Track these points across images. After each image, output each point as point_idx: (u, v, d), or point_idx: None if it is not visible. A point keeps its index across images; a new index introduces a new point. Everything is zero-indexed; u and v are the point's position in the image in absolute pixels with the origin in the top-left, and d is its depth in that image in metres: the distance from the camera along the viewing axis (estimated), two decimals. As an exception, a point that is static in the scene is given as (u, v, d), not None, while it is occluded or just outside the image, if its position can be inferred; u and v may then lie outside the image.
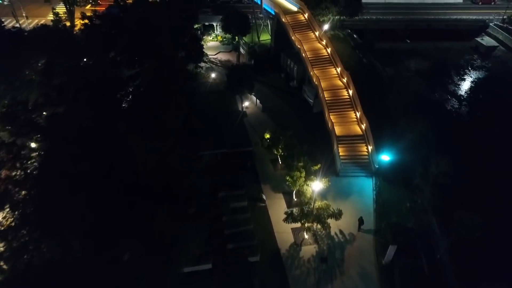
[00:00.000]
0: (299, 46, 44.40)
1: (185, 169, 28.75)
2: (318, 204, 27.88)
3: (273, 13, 49.28)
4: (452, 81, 54.99)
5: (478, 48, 63.67)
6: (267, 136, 37.06)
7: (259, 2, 51.22)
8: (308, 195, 28.95)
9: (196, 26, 58.33)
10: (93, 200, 23.63)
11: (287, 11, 49.43)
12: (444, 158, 29.97)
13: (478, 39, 64.67)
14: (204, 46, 56.42)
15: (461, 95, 51.17)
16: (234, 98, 44.57)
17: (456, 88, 53.01)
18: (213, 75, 50.06)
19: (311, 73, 42.26)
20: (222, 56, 56.14)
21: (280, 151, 34.62)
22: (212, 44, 59.28)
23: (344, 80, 41.74)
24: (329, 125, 38.03)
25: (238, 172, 34.87)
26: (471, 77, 56.58)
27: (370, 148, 36.12)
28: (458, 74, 57.04)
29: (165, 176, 26.80)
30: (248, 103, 44.64)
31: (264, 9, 51.86)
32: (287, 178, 30.53)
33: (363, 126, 37.79)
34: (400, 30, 67.87)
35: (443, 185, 29.53)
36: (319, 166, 30.43)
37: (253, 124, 42.30)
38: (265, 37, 60.30)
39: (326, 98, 40.07)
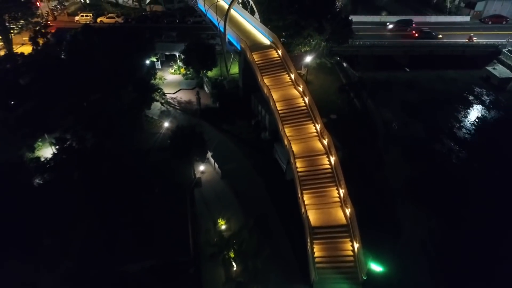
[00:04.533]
0: (267, 95, 34.85)
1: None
2: None
3: (239, 48, 39.64)
4: (461, 125, 45.29)
5: (490, 80, 54.09)
6: (221, 222, 28.01)
7: (222, 30, 41.46)
8: None
9: (153, 58, 48.82)
10: None
11: (256, 46, 39.75)
12: None
13: (490, 68, 55.16)
14: (163, 82, 47.17)
15: (475, 151, 40.37)
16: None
17: (468, 138, 43.04)
18: (166, 124, 40.42)
19: (282, 132, 32.70)
20: (183, 95, 46.45)
21: (232, 255, 25.36)
22: (173, 78, 49.56)
23: (325, 141, 32.13)
24: (302, 210, 28.42)
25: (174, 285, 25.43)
26: (485, 119, 46.71)
27: (356, 246, 26.51)
28: (467, 115, 47.38)
29: None
30: (204, 167, 35.11)
31: (229, 41, 42.13)
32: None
33: (348, 212, 28.20)
34: (398, 56, 58.39)
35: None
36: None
37: (208, 199, 32.74)
38: (237, 69, 50.74)
39: (300, 170, 30.49)
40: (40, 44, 37.43)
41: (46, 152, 34.54)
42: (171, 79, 49.29)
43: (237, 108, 43.02)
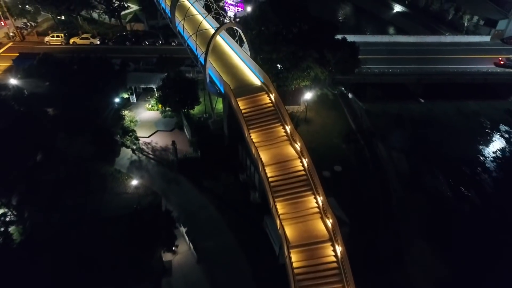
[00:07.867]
0: (255, 156, 27.55)
1: None
2: None
3: (223, 91, 32.24)
4: (492, 179, 37.94)
5: (518, 114, 46.90)
6: None
7: (203, 62, 33.66)
8: None
9: (124, 94, 41.55)
10: None
11: (243, 88, 32.27)
12: None
13: (517, 100, 48.00)
14: (135, 125, 39.91)
15: None
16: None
17: (502, 197, 35.62)
18: (135, 182, 33.13)
19: (273, 210, 25.40)
20: (160, 139, 39.06)
21: None
22: (150, 116, 42.13)
23: (329, 222, 24.79)
24: (299, 329, 21.12)
25: None
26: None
27: None
28: (497, 165, 39.84)
29: None
30: (176, 248, 27.77)
31: (211, 79, 34.58)
32: None
33: (360, 331, 20.88)
34: (411, 85, 51.17)
35: None
36: None
37: (178, 295, 25.49)
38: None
39: (296, 266, 23.16)
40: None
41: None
42: (147, 117, 41.88)
43: (222, 158, 35.66)
